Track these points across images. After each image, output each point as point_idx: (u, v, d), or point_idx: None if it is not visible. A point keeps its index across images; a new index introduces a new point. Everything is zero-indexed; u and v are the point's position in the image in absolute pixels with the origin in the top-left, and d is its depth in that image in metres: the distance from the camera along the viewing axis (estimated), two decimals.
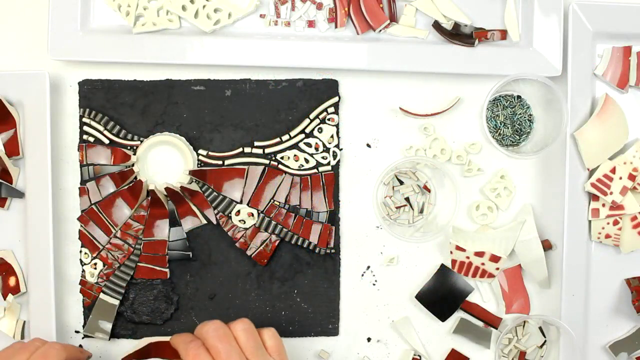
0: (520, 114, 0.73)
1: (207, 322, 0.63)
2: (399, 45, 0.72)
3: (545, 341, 0.74)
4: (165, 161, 0.72)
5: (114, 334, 0.72)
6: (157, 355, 0.71)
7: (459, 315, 0.74)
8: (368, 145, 0.74)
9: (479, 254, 0.71)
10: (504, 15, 0.73)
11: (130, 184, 0.71)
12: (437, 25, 0.73)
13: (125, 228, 0.72)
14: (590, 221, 0.73)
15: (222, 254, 0.73)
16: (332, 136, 0.73)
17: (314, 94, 0.73)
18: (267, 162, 0.72)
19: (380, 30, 0.72)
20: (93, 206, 0.72)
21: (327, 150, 0.73)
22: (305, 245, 0.72)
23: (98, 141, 0.72)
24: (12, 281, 0.71)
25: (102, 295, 0.72)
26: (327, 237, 0.73)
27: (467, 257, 0.72)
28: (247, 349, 0.62)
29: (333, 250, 0.73)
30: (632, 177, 0.71)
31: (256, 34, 0.72)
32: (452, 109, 0.74)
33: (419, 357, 0.73)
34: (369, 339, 0.74)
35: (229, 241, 0.73)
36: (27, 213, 0.70)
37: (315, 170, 0.73)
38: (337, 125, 0.73)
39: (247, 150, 0.72)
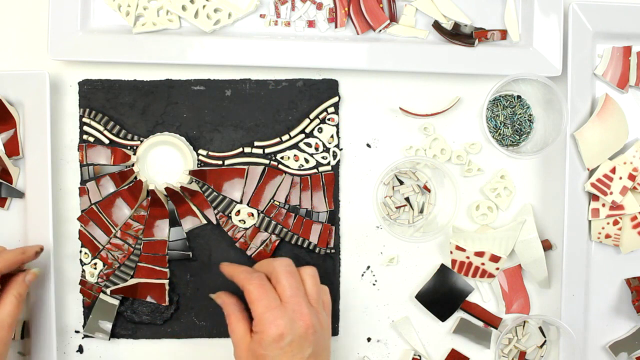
0: (520, 114, 0.73)
1: (276, 258, 0.64)
2: (399, 45, 0.72)
3: (545, 341, 0.74)
4: (165, 161, 0.72)
5: (114, 334, 0.72)
6: (142, 295, 0.71)
7: (459, 315, 0.74)
8: (368, 145, 0.74)
9: (479, 254, 0.71)
10: (504, 15, 0.73)
11: (130, 184, 0.71)
12: (437, 25, 0.73)
13: (125, 228, 0.72)
14: (590, 221, 0.73)
15: (222, 254, 0.73)
16: (332, 136, 0.73)
17: (314, 94, 0.73)
18: (267, 162, 0.72)
19: (380, 30, 0.72)
20: (93, 206, 0.72)
21: (327, 150, 0.73)
22: (305, 245, 0.72)
23: (98, 141, 0.72)
24: None
25: (102, 295, 0.72)
26: (327, 237, 0.73)
27: (467, 257, 0.72)
28: (312, 294, 0.63)
29: (333, 250, 0.73)
30: (632, 177, 0.71)
31: (256, 34, 0.72)
32: (452, 109, 0.74)
33: (419, 357, 0.73)
34: (369, 339, 0.74)
35: (229, 241, 0.73)
36: (27, 213, 0.70)
37: (315, 170, 0.73)
38: (337, 125, 0.73)
39: (247, 150, 0.72)
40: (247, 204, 0.72)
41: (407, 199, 0.74)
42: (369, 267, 0.74)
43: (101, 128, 0.72)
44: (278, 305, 0.60)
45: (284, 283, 0.61)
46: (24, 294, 0.65)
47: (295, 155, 0.72)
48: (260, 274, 0.63)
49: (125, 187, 0.71)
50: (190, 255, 0.72)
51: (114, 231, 0.72)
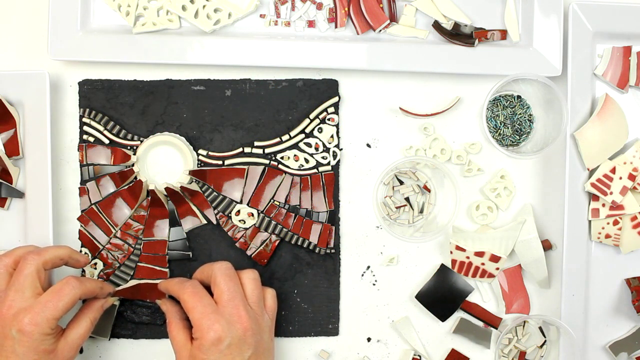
0: (520, 114, 0.73)
1: (216, 262, 0.65)
2: (399, 45, 0.72)
3: (545, 341, 0.74)
4: (165, 161, 0.72)
5: (114, 334, 0.72)
6: (144, 296, 0.72)
7: (459, 315, 0.74)
8: (368, 145, 0.74)
9: (479, 254, 0.71)
10: (504, 15, 0.73)
11: (130, 184, 0.71)
12: (437, 25, 0.73)
13: (125, 228, 0.72)
14: (590, 221, 0.73)
15: (222, 254, 0.73)
16: (332, 136, 0.73)
17: (314, 94, 0.73)
18: (267, 162, 0.72)
19: (380, 30, 0.72)
20: (93, 206, 0.72)
21: (327, 150, 0.73)
22: (305, 245, 0.72)
23: (98, 141, 0.72)
24: None
25: None
26: (327, 237, 0.73)
27: (467, 257, 0.72)
28: (251, 297, 0.65)
29: (333, 250, 0.73)
30: (632, 177, 0.71)
31: (256, 34, 0.72)
32: (452, 109, 0.74)
33: (419, 357, 0.73)
34: (369, 339, 0.75)
35: (229, 241, 0.73)
36: (27, 213, 0.70)
37: (315, 170, 0.73)
38: (337, 125, 0.73)
39: (247, 150, 0.72)
40: (247, 204, 0.72)
41: (407, 199, 0.74)
42: (369, 267, 0.74)
43: (101, 128, 0.72)
44: (214, 310, 0.61)
45: (222, 287, 0.63)
46: (97, 320, 0.66)
47: (295, 155, 0.72)
48: (193, 281, 0.65)
49: (125, 187, 0.71)
50: (190, 255, 0.72)
51: (114, 231, 0.72)
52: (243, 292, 0.64)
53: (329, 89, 0.73)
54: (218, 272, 0.63)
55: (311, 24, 0.73)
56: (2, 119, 0.70)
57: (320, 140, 0.73)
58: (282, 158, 0.72)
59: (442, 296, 0.73)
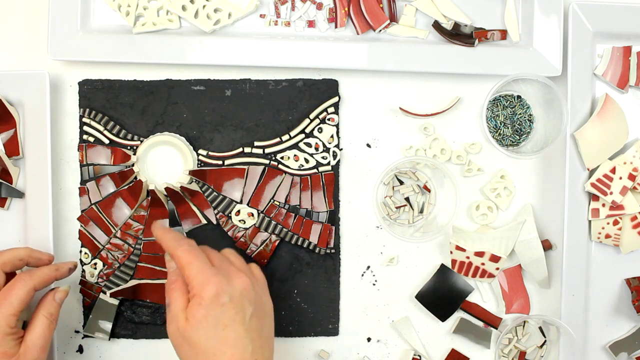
0: (520, 114, 0.73)
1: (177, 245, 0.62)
2: (399, 45, 0.72)
3: (545, 341, 0.74)
4: (165, 161, 0.72)
5: (114, 334, 0.72)
6: (144, 296, 0.71)
7: (459, 315, 0.74)
8: (368, 145, 0.74)
9: (479, 254, 0.71)
10: (504, 15, 0.73)
11: (130, 184, 0.71)
12: (437, 25, 0.73)
13: (125, 228, 0.72)
14: (590, 221, 0.73)
15: None
16: (332, 136, 0.73)
17: (314, 94, 0.73)
18: (267, 162, 0.72)
19: (380, 30, 0.72)
20: (93, 206, 0.72)
21: (327, 150, 0.73)
22: (305, 245, 0.72)
23: (98, 141, 0.72)
24: None
25: (102, 295, 0.72)
26: (327, 237, 0.73)
27: (467, 257, 0.72)
28: (237, 264, 0.63)
29: (333, 250, 0.73)
30: (632, 177, 0.71)
31: (256, 34, 0.72)
32: (452, 109, 0.74)
33: (419, 357, 0.73)
34: (369, 339, 0.74)
35: (229, 241, 0.73)
36: (27, 213, 0.70)
37: (315, 170, 0.73)
38: (337, 125, 0.73)
39: (247, 150, 0.72)
40: (247, 204, 0.72)
41: (407, 199, 0.74)
42: (369, 267, 0.74)
43: (101, 128, 0.72)
44: (210, 267, 0.59)
45: (208, 252, 0.62)
46: (56, 313, 0.64)
47: (295, 155, 0.72)
48: (190, 240, 0.62)
49: (125, 187, 0.71)
50: None
51: (114, 231, 0.72)
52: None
53: (329, 89, 0.73)
54: (202, 247, 0.63)
55: (311, 24, 0.73)
56: (2, 119, 0.70)
57: (320, 140, 0.73)
58: (282, 158, 0.72)
59: (442, 296, 0.73)
